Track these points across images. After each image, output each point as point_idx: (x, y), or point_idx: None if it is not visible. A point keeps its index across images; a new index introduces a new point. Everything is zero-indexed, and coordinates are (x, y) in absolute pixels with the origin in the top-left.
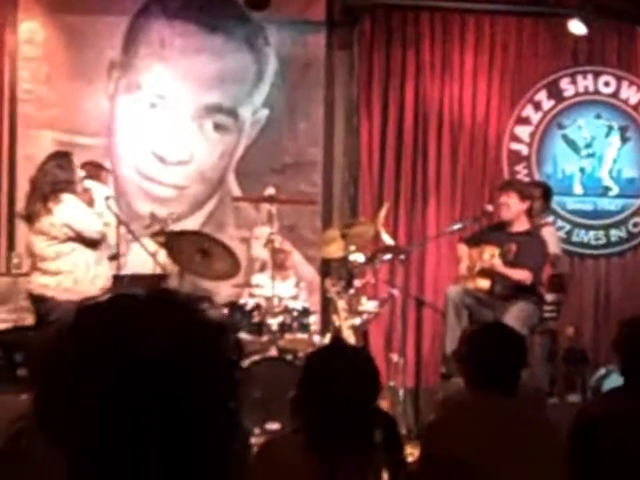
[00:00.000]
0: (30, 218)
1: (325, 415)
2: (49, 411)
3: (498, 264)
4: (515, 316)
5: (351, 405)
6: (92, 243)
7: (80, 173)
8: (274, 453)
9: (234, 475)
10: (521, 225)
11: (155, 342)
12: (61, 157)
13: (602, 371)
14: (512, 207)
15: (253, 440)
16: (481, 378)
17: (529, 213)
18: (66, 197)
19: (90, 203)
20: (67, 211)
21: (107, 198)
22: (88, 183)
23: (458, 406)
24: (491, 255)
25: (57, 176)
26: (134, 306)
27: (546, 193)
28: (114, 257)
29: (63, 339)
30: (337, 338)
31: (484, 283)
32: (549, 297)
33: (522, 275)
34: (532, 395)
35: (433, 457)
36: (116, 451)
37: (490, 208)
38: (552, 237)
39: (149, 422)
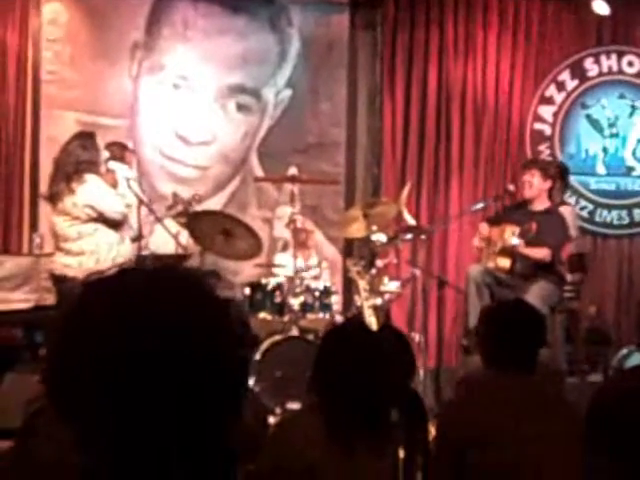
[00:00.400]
0: (53, 198)
1: (340, 393)
2: (57, 388)
3: (519, 244)
4: (536, 295)
5: (366, 384)
6: (114, 224)
7: (105, 154)
8: (290, 431)
9: (247, 451)
10: (542, 204)
11: (159, 317)
12: (85, 137)
13: (624, 351)
14: (535, 185)
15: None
16: (498, 356)
17: (550, 192)
18: (89, 177)
19: (114, 184)
20: (90, 191)
21: (128, 179)
22: (112, 164)
23: (475, 385)
24: (512, 233)
25: (80, 156)
26: (138, 281)
27: (564, 173)
28: (136, 239)
29: (69, 315)
30: (354, 317)
31: (505, 262)
32: (570, 277)
33: (542, 254)
34: (551, 374)
35: (448, 437)
36: (124, 428)
37: (512, 187)
38: (570, 217)
39: (156, 396)
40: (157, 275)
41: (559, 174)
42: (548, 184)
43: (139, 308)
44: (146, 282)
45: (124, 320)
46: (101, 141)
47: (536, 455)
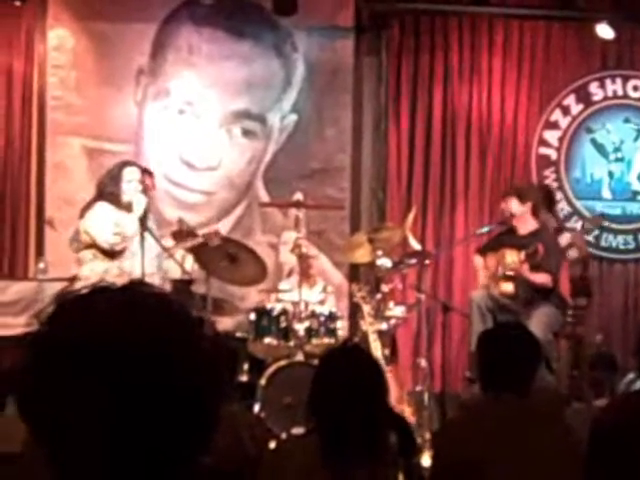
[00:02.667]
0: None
1: (337, 417)
2: (27, 403)
3: (524, 269)
4: (539, 321)
5: (362, 407)
6: (110, 253)
7: (126, 186)
8: (287, 455)
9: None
10: (527, 226)
11: (126, 337)
12: (116, 167)
13: (631, 376)
14: (514, 210)
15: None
16: (491, 379)
17: (534, 213)
18: (99, 204)
19: (129, 209)
20: (90, 218)
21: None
22: (135, 196)
23: (472, 407)
24: (513, 259)
25: (106, 185)
26: (106, 301)
27: (546, 193)
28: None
29: (38, 334)
30: (348, 340)
31: (508, 287)
32: (575, 301)
33: (543, 279)
34: (550, 398)
35: (444, 459)
36: (90, 446)
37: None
38: (580, 242)
39: (121, 417)
40: (126, 294)
41: (540, 195)
42: (526, 206)
43: (105, 328)
44: (114, 302)
45: (90, 340)
46: (134, 173)
47: (531, 477)
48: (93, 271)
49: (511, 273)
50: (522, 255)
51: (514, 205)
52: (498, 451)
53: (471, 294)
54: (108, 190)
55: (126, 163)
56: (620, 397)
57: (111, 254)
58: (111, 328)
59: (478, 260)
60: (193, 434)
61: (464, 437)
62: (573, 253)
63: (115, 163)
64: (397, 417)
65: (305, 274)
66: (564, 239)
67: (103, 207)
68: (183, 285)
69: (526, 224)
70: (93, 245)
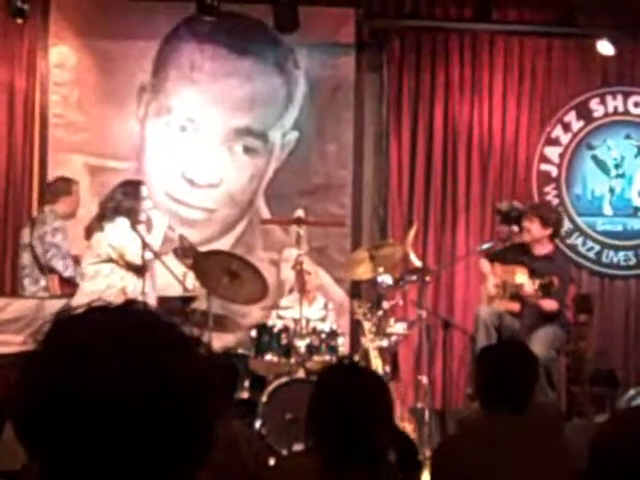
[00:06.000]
0: (87, 235)
1: (334, 434)
2: (20, 422)
3: (537, 296)
4: (542, 339)
5: (361, 423)
6: (135, 269)
7: (149, 203)
8: (286, 472)
9: None
10: (543, 248)
11: (121, 359)
12: (129, 185)
13: (632, 392)
14: (533, 232)
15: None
16: (489, 396)
17: (552, 237)
18: (120, 220)
19: (149, 229)
20: (115, 232)
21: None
22: (152, 212)
23: (469, 424)
24: (523, 281)
25: (121, 202)
26: (102, 321)
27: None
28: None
29: (34, 353)
30: (346, 357)
31: (514, 306)
32: (576, 318)
33: (551, 306)
34: (548, 414)
35: (442, 476)
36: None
37: (516, 229)
38: None
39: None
40: (122, 314)
41: (558, 222)
42: (548, 231)
43: (99, 348)
44: (108, 322)
45: (83, 360)
46: (145, 190)
47: None
48: (110, 286)
49: (521, 294)
50: (536, 284)
51: (535, 228)
52: (496, 468)
53: (477, 310)
54: (126, 206)
55: (138, 182)
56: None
57: (136, 270)
58: (106, 350)
59: (485, 265)
60: (188, 451)
61: (462, 454)
62: None
63: (122, 182)
64: (400, 434)
65: (301, 290)
66: None
67: (125, 222)
68: (180, 303)
69: (542, 246)
70: (112, 260)
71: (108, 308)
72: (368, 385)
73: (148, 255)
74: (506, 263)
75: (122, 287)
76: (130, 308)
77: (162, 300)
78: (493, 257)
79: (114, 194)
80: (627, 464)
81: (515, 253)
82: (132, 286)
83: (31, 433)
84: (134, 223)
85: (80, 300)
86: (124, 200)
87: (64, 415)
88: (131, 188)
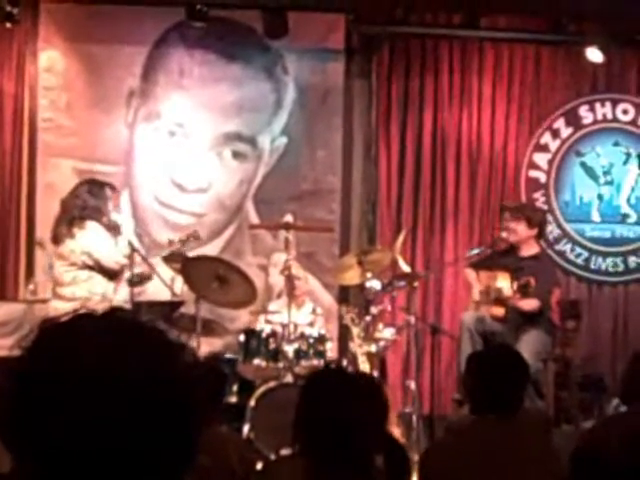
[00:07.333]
0: (55, 240)
1: (322, 438)
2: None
3: (516, 298)
4: (528, 348)
5: (348, 427)
6: (110, 274)
7: (111, 206)
8: (273, 476)
9: None
10: (529, 249)
11: (106, 365)
12: (94, 185)
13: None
14: (520, 233)
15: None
16: (478, 401)
17: (538, 238)
18: (90, 224)
19: (116, 233)
20: (88, 238)
21: (130, 244)
22: (115, 216)
23: (457, 430)
24: (503, 285)
25: (87, 202)
26: (88, 328)
27: (545, 222)
28: (138, 282)
29: (21, 359)
30: (333, 361)
31: (499, 310)
32: (563, 324)
33: (531, 305)
34: (536, 420)
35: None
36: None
37: (505, 234)
38: None
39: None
40: (107, 322)
41: (543, 222)
42: (534, 232)
43: (87, 355)
44: (95, 329)
45: (70, 367)
46: (109, 192)
47: None
48: (91, 292)
49: (502, 298)
50: (515, 285)
51: (522, 229)
52: (483, 473)
53: (462, 316)
54: (92, 205)
55: (102, 182)
56: (602, 420)
57: (110, 275)
58: (93, 356)
59: (471, 273)
60: (174, 455)
61: (450, 459)
62: None
63: (84, 180)
64: (390, 439)
65: (290, 295)
66: None
67: (96, 226)
68: (166, 308)
69: (529, 247)
70: (89, 266)
71: (93, 315)
72: (355, 389)
73: (123, 260)
74: (491, 269)
75: (103, 293)
76: (115, 315)
77: (151, 305)
78: (477, 266)
79: (78, 192)
80: (609, 470)
81: (500, 257)
82: (112, 292)
83: (17, 438)
84: (107, 228)
85: (63, 306)
86: (90, 199)
87: (50, 420)
88: (96, 188)
